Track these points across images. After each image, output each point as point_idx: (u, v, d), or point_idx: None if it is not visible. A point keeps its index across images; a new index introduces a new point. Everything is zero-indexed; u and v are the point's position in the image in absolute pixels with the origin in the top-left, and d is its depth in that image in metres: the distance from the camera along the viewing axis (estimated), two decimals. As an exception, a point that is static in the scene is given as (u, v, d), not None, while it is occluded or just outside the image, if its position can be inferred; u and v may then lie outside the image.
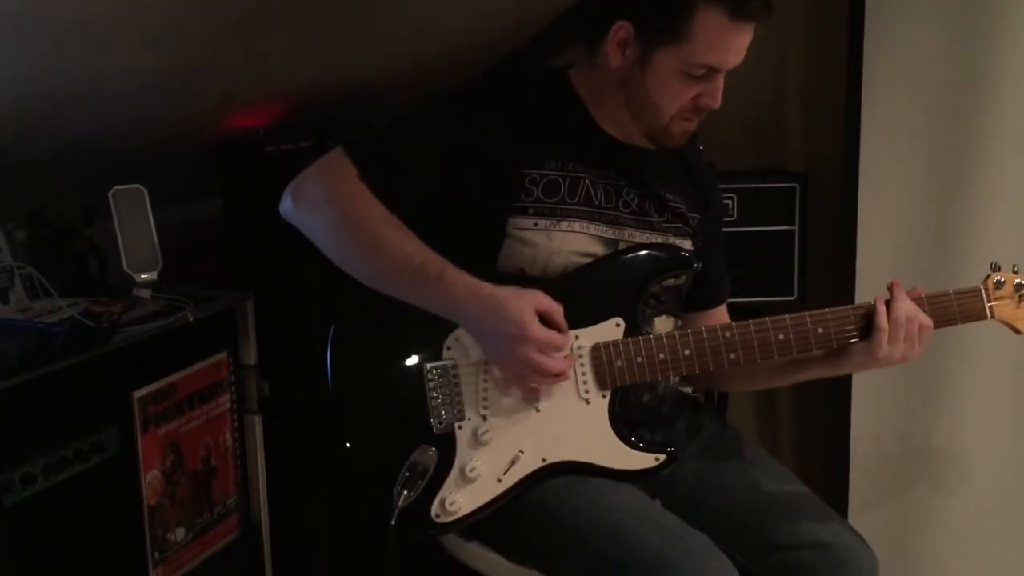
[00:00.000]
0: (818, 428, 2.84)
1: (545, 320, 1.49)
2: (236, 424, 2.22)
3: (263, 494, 2.28)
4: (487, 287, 1.49)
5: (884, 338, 1.56)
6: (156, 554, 2.01)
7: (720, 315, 1.83)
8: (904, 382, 2.42)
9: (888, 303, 1.57)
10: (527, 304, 1.48)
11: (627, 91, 1.58)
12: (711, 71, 1.53)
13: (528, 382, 1.53)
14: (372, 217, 1.51)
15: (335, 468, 2.27)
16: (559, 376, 1.52)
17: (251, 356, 2.23)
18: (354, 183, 1.52)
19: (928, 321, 1.58)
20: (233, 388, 2.20)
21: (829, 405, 2.63)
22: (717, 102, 1.56)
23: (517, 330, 1.46)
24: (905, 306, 1.56)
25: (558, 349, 1.50)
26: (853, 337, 1.59)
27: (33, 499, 1.75)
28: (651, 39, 1.52)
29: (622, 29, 1.54)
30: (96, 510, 1.88)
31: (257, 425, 2.26)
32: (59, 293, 1.97)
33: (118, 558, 1.95)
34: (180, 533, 2.07)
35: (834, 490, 2.53)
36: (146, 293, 2.01)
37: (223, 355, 2.17)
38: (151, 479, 1.99)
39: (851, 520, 2.45)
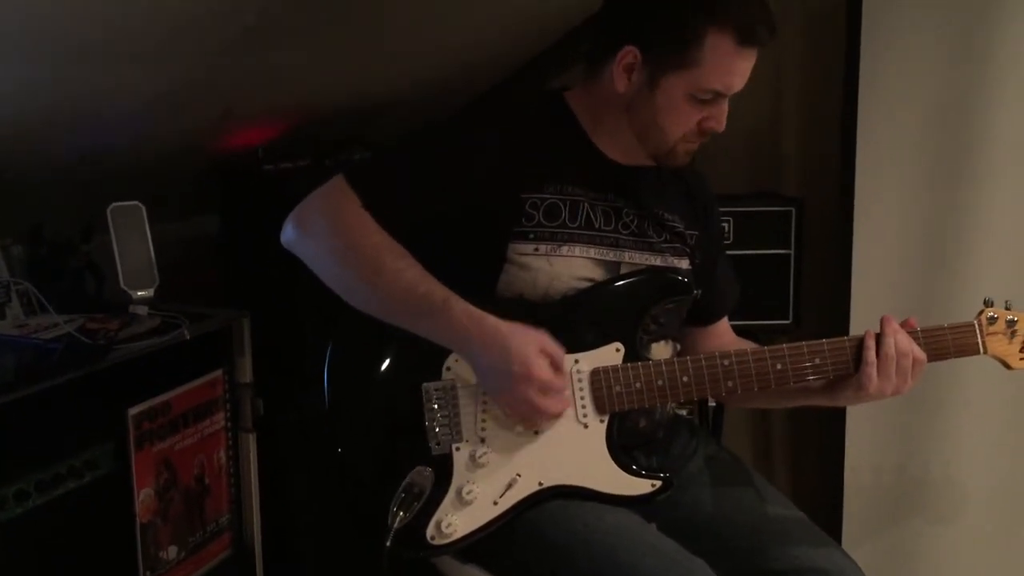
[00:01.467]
0: (813, 457, 2.84)
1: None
2: (230, 442, 2.22)
3: (256, 513, 2.28)
4: (491, 321, 1.48)
5: (873, 372, 1.55)
6: (148, 572, 2.00)
7: (722, 329, 1.83)
8: (898, 411, 2.42)
9: (879, 336, 1.57)
10: (533, 343, 1.48)
11: (633, 115, 1.59)
12: (717, 95, 1.54)
13: (523, 418, 1.53)
14: (375, 246, 1.50)
15: (328, 488, 2.28)
16: (556, 416, 1.52)
17: (247, 374, 2.23)
18: (356, 212, 1.51)
19: (921, 355, 1.57)
20: (228, 406, 2.20)
21: (824, 434, 2.64)
22: (722, 126, 1.57)
23: (521, 369, 1.46)
24: (896, 340, 1.56)
25: (558, 392, 1.50)
26: (849, 368, 1.59)
27: (27, 515, 1.74)
28: (659, 64, 1.53)
29: (629, 54, 1.55)
30: (89, 527, 1.88)
31: (251, 443, 2.26)
32: (56, 309, 1.97)
33: (110, 575, 1.94)
34: (172, 551, 2.06)
35: (828, 519, 2.53)
36: (143, 310, 2.02)
37: (218, 373, 2.17)
38: (144, 497, 1.98)
39: (845, 549, 2.48)
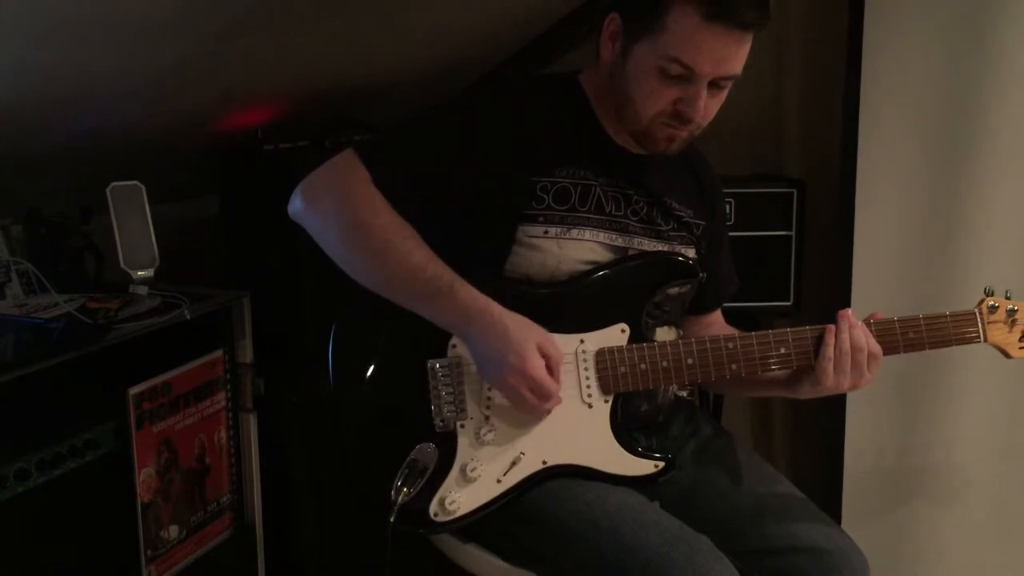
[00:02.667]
0: (813, 440, 2.84)
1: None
2: (231, 422, 2.22)
3: (257, 492, 2.28)
4: (497, 309, 1.49)
5: (829, 367, 1.56)
6: (149, 552, 2.01)
7: (715, 318, 1.83)
8: (899, 394, 2.42)
9: (836, 332, 1.57)
10: (531, 338, 1.48)
11: (614, 87, 1.56)
12: (688, 73, 1.47)
13: (515, 403, 1.54)
14: (383, 225, 1.50)
15: (330, 466, 2.28)
16: (535, 412, 1.53)
17: (247, 354, 2.23)
18: (366, 188, 1.50)
19: (877, 349, 1.57)
20: (228, 386, 2.20)
21: (824, 417, 2.64)
22: (697, 112, 1.50)
23: (515, 360, 1.47)
24: (852, 335, 1.56)
25: (547, 396, 1.50)
26: (811, 359, 1.59)
27: (27, 495, 1.75)
28: (633, 31, 1.51)
29: (613, 22, 1.54)
30: (90, 507, 1.88)
31: (252, 423, 2.26)
32: (56, 289, 1.97)
33: (111, 555, 1.95)
34: (173, 531, 2.07)
35: (828, 501, 2.53)
36: (143, 290, 2.02)
37: (219, 353, 2.17)
38: (145, 476, 1.99)
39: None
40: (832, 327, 1.57)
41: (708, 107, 1.52)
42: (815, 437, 2.82)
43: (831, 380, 1.57)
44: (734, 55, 1.48)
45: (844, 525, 2.46)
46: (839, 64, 2.48)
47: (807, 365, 1.59)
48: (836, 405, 2.51)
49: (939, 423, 2.46)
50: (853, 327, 1.57)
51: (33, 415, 1.77)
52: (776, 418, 2.96)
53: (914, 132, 2.39)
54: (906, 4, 2.34)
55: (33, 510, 1.77)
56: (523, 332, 1.49)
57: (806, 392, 1.62)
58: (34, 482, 1.76)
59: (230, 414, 2.22)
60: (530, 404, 1.50)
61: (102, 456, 1.90)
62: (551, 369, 1.50)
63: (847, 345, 1.56)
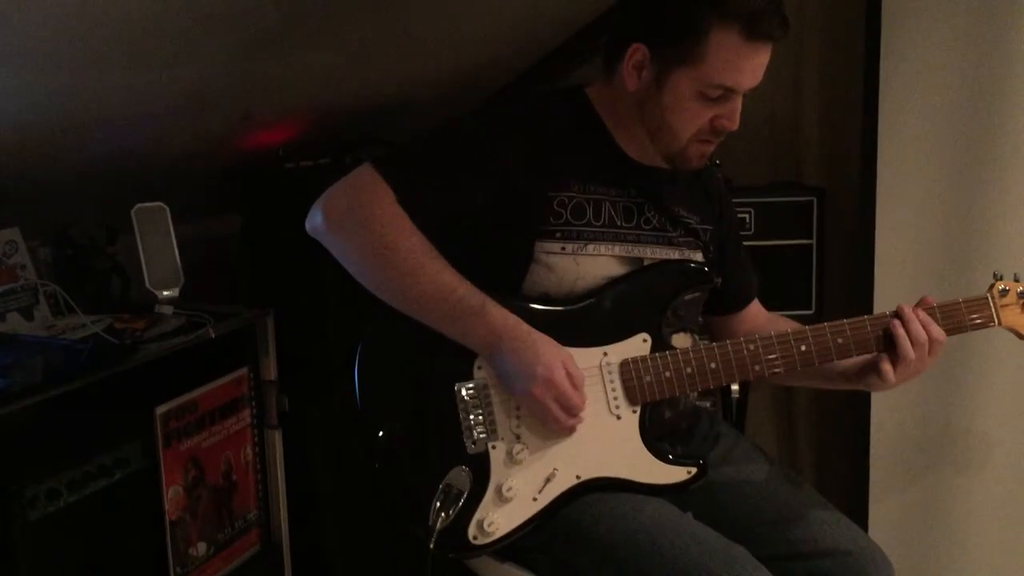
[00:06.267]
0: (837, 413, 2.83)
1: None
2: (256, 439, 2.24)
3: (283, 509, 2.30)
4: (526, 327, 1.51)
5: (910, 361, 1.58)
6: (178, 568, 2.02)
7: (753, 312, 1.84)
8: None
9: (904, 324, 1.58)
10: (559, 355, 1.51)
11: (644, 114, 1.58)
12: (728, 92, 1.52)
13: (541, 420, 1.54)
14: (412, 247, 1.50)
15: (355, 482, 2.29)
16: (561, 427, 1.54)
17: (271, 371, 2.25)
18: (392, 207, 1.50)
19: (942, 336, 1.59)
20: (253, 403, 2.22)
21: (846, 413, 2.63)
22: (735, 124, 1.55)
23: (544, 372, 1.48)
24: (925, 326, 1.58)
25: (573, 409, 1.51)
26: (871, 346, 1.60)
27: (58, 514, 1.77)
28: (666, 61, 1.52)
29: (638, 52, 1.54)
30: (119, 525, 1.90)
31: (277, 440, 2.27)
32: (83, 310, 2.00)
33: (140, 572, 1.97)
34: (201, 548, 2.09)
35: (854, 476, 2.54)
36: (168, 310, 2.04)
37: (243, 371, 2.19)
38: (173, 494, 2.00)
39: (872, 506, 2.50)
40: (897, 322, 1.58)
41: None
42: (839, 412, 2.80)
43: (911, 371, 1.59)
44: (764, 66, 1.53)
45: (871, 499, 2.50)
46: (857, 71, 2.48)
47: (867, 353, 1.61)
48: (861, 403, 2.51)
49: (963, 394, 2.44)
50: (920, 317, 1.58)
51: (62, 435, 1.79)
52: (800, 396, 2.94)
53: (934, 137, 2.38)
54: (924, 10, 2.33)
55: (64, 529, 1.78)
56: (552, 348, 1.51)
57: (872, 385, 1.64)
58: (64, 501, 1.78)
59: (256, 431, 2.23)
60: (555, 416, 1.51)
61: (130, 474, 1.91)
62: (575, 387, 1.51)
63: (923, 337, 1.57)
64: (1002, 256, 2.32)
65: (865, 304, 2.43)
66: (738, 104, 1.54)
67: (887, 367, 1.59)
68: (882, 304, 2.41)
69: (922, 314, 1.59)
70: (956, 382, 2.43)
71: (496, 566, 1.63)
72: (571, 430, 1.54)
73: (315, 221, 1.54)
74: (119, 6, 1.51)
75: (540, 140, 1.58)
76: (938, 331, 1.59)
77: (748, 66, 1.50)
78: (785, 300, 2.47)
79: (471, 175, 1.55)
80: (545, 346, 1.50)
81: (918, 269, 2.42)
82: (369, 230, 1.50)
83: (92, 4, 1.47)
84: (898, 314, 1.59)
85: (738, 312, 1.83)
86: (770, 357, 1.59)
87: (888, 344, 1.59)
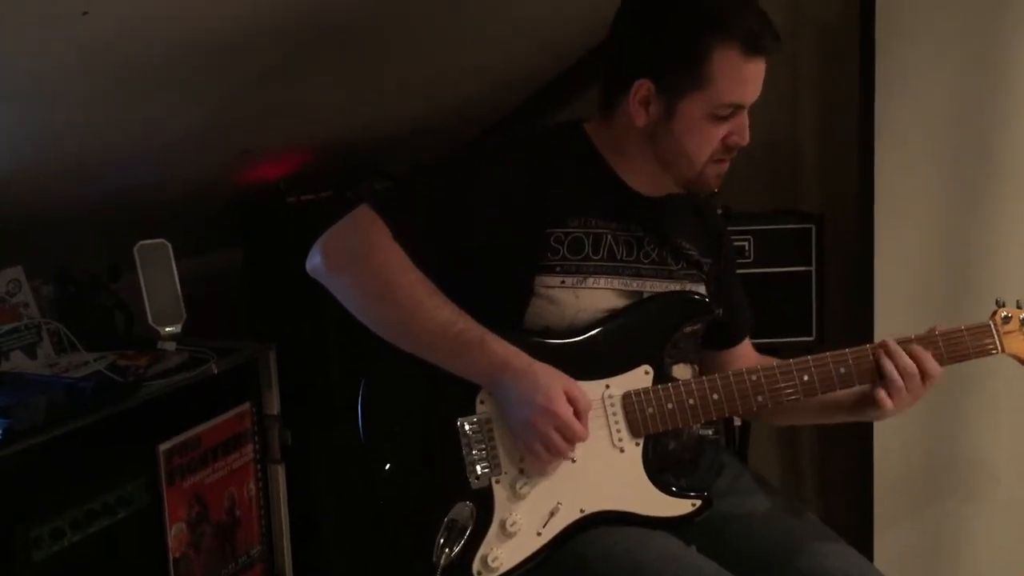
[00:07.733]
0: (841, 443, 2.82)
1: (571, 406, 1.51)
2: (260, 474, 2.23)
3: (287, 543, 2.29)
4: (526, 357, 1.51)
5: (901, 394, 1.58)
6: (182, 606, 2.02)
7: (745, 350, 1.84)
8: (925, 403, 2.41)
9: (891, 355, 1.58)
10: (559, 382, 1.50)
11: (657, 146, 1.59)
12: (736, 109, 1.55)
13: (531, 451, 1.53)
14: (410, 283, 1.51)
15: (360, 518, 2.29)
16: (561, 455, 1.53)
17: (274, 406, 2.25)
18: (388, 245, 1.51)
19: (936, 371, 1.58)
20: (256, 438, 2.22)
21: (849, 443, 2.62)
22: (746, 139, 1.57)
23: (543, 400, 1.48)
24: (903, 363, 1.57)
25: (573, 438, 1.51)
26: (874, 375, 1.60)
27: (62, 554, 1.76)
28: (673, 91, 1.54)
29: (643, 88, 1.55)
30: (123, 563, 1.89)
31: (280, 474, 2.27)
32: (86, 348, 2.00)
33: (145, 611, 1.96)
34: (206, 584, 2.08)
35: (859, 506, 2.53)
36: (171, 346, 2.04)
37: (246, 406, 2.19)
38: (176, 531, 2.00)
39: (877, 536, 2.49)
40: (883, 354, 1.58)
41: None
42: (843, 439, 2.79)
43: (902, 403, 1.58)
44: (763, 75, 1.56)
45: (876, 528, 2.48)
46: (853, 97, 2.49)
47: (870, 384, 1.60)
48: (865, 432, 2.51)
49: (966, 420, 2.43)
50: (906, 349, 1.58)
51: (65, 474, 1.79)
52: (803, 448, 2.94)
53: (931, 162, 2.39)
54: (918, 33, 2.35)
55: (68, 569, 1.78)
56: (552, 376, 1.50)
57: (870, 415, 1.64)
58: (68, 541, 1.78)
59: (259, 466, 2.23)
60: (555, 445, 1.50)
61: (134, 512, 1.91)
62: (579, 414, 1.51)
63: (912, 368, 1.57)
64: (1003, 282, 2.31)
65: (866, 330, 2.43)
66: (745, 119, 1.57)
67: (883, 396, 1.59)
68: (882, 330, 2.41)
69: (916, 348, 1.59)
70: (960, 411, 2.43)
71: (499, 602, 1.63)
72: (568, 458, 1.54)
73: (315, 262, 1.56)
74: (121, 46, 1.53)
75: (538, 174, 1.58)
76: (933, 366, 1.58)
77: (751, 81, 1.54)
78: (786, 327, 2.47)
79: (468, 210, 1.56)
80: (545, 376, 1.50)
81: (918, 294, 2.42)
82: (367, 269, 1.52)
83: (93, 46, 1.49)
84: (883, 347, 1.59)
85: (731, 348, 1.82)
86: (773, 387, 1.59)
87: (881, 375, 1.60)
